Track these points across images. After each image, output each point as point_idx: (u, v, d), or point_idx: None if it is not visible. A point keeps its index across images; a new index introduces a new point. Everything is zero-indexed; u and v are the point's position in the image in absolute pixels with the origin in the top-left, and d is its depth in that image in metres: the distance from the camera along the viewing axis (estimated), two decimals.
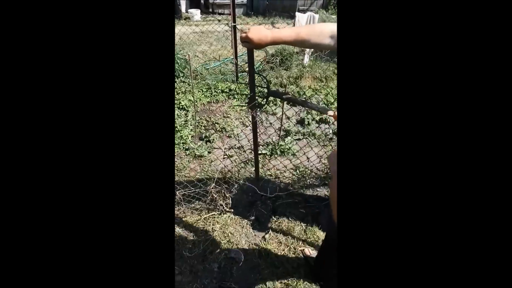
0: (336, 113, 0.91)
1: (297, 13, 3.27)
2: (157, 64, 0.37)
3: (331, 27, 0.78)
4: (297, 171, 1.89)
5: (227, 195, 1.41)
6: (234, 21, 2.72)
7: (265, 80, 1.10)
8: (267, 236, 1.44)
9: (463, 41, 0.31)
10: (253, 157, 2.02)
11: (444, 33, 0.31)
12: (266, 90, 1.06)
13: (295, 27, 0.86)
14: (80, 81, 0.34)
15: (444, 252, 0.32)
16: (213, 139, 2.17)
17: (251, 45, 0.87)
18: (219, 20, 6.27)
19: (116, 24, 0.35)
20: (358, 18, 0.34)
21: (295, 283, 1.23)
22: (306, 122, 2.33)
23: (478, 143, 0.31)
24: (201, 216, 1.52)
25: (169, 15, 0.38)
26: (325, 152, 2.04)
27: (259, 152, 1.94)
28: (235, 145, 2.16)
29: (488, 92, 0.30)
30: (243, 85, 2.86)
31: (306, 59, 3.32)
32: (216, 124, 2.36)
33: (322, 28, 0.79)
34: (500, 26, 0.29)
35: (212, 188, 1.36)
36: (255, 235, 1.46)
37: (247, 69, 3.29)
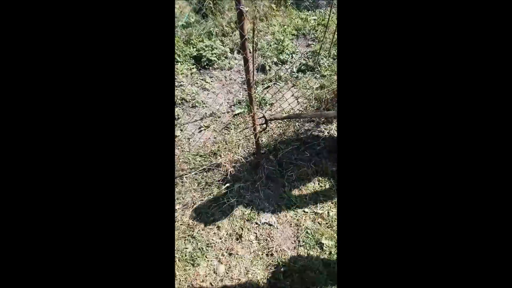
0: None
1: None
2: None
3: None
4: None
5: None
6: None
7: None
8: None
9: (461, 42, 0.30)
10: (230, 121, 1.84)
11: (443, 34, 0.31)
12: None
13: None
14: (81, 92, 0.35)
15: (444, 253, 0.33)
16: (178, 115, 1.87)
17: None
18: None
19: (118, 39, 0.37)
20: (357, 17, 0.33)
21: None
22: (267, 68, 2.17)
23: (478, 144, 0.30)
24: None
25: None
26: (298, 90, 1.98)
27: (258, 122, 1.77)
28: (205, 113, 1.92)
29: (488, 94, 0.30)
30: (183, 36, 2.41)
31: None
32: None
33: None
34: (500, 26, 0.28)
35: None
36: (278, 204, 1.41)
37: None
